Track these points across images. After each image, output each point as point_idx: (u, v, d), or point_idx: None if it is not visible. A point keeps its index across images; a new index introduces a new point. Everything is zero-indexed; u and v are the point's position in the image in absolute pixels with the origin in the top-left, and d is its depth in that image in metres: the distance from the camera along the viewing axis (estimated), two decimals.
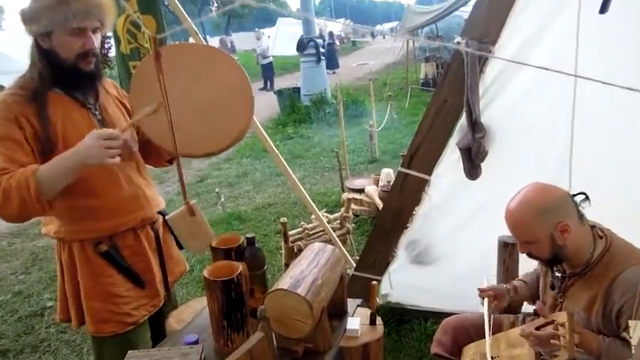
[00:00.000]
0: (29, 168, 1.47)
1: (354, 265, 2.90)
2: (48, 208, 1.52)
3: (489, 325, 1.76)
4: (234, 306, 1.51)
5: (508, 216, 1.63)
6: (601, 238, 1.62)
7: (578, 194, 1.63)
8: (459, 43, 2.19)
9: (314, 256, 1.65)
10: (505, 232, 2.22)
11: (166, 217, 1.54)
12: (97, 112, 1.69)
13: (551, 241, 1.57)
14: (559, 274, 1.73)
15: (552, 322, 1.52)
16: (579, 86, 2.29)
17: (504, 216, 1.64)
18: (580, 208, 1.61)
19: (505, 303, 1.92)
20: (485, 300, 1.87)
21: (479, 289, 1.93)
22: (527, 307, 2.16)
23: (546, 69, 1.66)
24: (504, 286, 1.97)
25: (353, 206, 4.38)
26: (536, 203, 1.57)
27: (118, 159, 1.50)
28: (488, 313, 1.82)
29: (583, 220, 1.61)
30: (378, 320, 1.72)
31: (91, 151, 1.45)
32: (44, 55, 1.56)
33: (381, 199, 4.33)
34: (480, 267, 2.27)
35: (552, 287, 1.76)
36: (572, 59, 2.16)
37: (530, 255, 1.67)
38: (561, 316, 1.51)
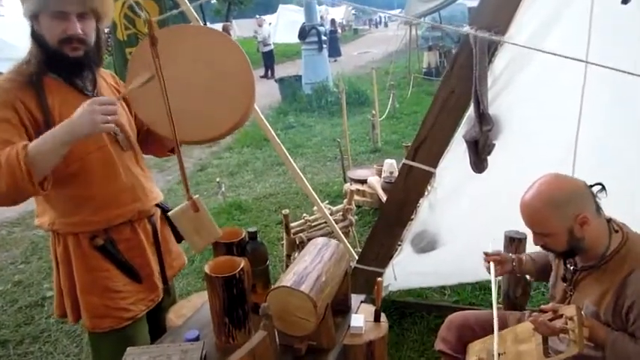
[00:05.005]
0: (18, 144, 1.41)
1: (356, 257, 2.87)
2: (40, 189, 1.45)
3: (496, 290, 1.74)
4: (236, 303, 1.48)
5: (524, 208, 1.59)
6: (617, 232, 1.58)
7: (594, 185, 1.59)
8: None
9: (318, 252, 1.61)
10: (512, 225, 2.20)
11: (168, 214, 1.49)
12: None
13: (569, 233, 1.53)
14: (570, 267, 1.69)
15: (562, 315, 1.49)
16: (589, 79, 2.24)
17: (519, 208, 1.60)
18: (597, 199, 1.57)
19: (508, 268, 1.92)
20: (492, 264, 1.86)
21: (484, 253, 1.92)
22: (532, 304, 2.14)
23: (558, 55, 1.62)
24: (510, 255, 1.96)
25: (355, 197, 4.34)
26: (554, 195, 1.53)
27: (112, 125, 1.45)
28: (495, 278, 1.82)
29: (600, 212, 1.57)
30: (383, 317, 1.69)
31: (84, 117, 1.39)
32: (35, 38, 1.54)
33: (383, 190, 4.28)
34: (484, 246, 2.26)
35: (564, 280, 1.73)
36: (584, 51, 2.11)
37: (544, 247, 1.63)
38: (569, 310, 1.48)
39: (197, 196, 1.50)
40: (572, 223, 1.52)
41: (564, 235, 1.54)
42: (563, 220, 1.52)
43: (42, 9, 1.48)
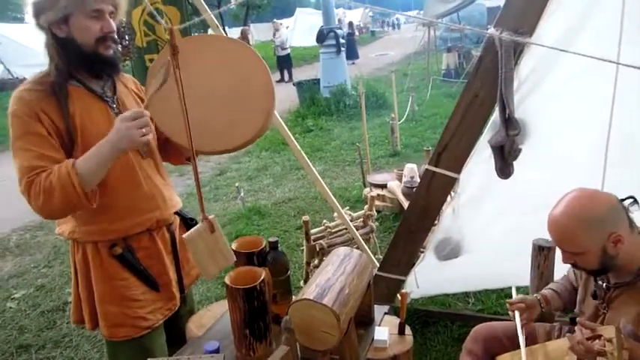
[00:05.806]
0: (66, 163, 1.46)
1: (378, 265, 2.82)
2: (93, 201, 1.51)
3: (523, 339, 1.66)
4: (257, 314, 1.45)
5: (553, 225, 1.51)
6: None
7: (626, 198, 1.51)
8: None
9: (340, 262, 1.57)
10: (539, 232, 2.12)
11: (184, 237, 1.46)
12: (115, 106, 1.65)
13: (602, 252, 1.45)
14: (602, 284, 1.61)
15: (599, 336, 1.42)
16: (619, 82, 2.16)
17: (547, 224, 1.52)
18: (629, 213, 1.49)
19: (537, 312, 1.82)
20: (517, 313, 1.77)
21: (508, 302, 1.83)
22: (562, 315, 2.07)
23: (588, 56, 1.55)
24: (535, 296, 1.87)
25: (375, 202, 4.28)
26: (586, 213, 1.45)
27: (150, 136, 1.48)
28: (521, 326, 1.72)
29: (633, 227, 1.49)
30: (408, 330, 1.63)
31: (121, 134, 1.43)
32: (61, 45, 1.52)
33: (404, 195, 4.23)
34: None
35: (594, 297, 1.65)
36: (614, 52, 2.03)
37: (574, 265, 1.56)
38: (608, 331, 1.40)
39: (212, 215, 1.47)
40: (606, 242, 1.44)
41: (596, 254, 1.46)
42: (595, 239, 1.44)
43: (77, 9, 1.47)
